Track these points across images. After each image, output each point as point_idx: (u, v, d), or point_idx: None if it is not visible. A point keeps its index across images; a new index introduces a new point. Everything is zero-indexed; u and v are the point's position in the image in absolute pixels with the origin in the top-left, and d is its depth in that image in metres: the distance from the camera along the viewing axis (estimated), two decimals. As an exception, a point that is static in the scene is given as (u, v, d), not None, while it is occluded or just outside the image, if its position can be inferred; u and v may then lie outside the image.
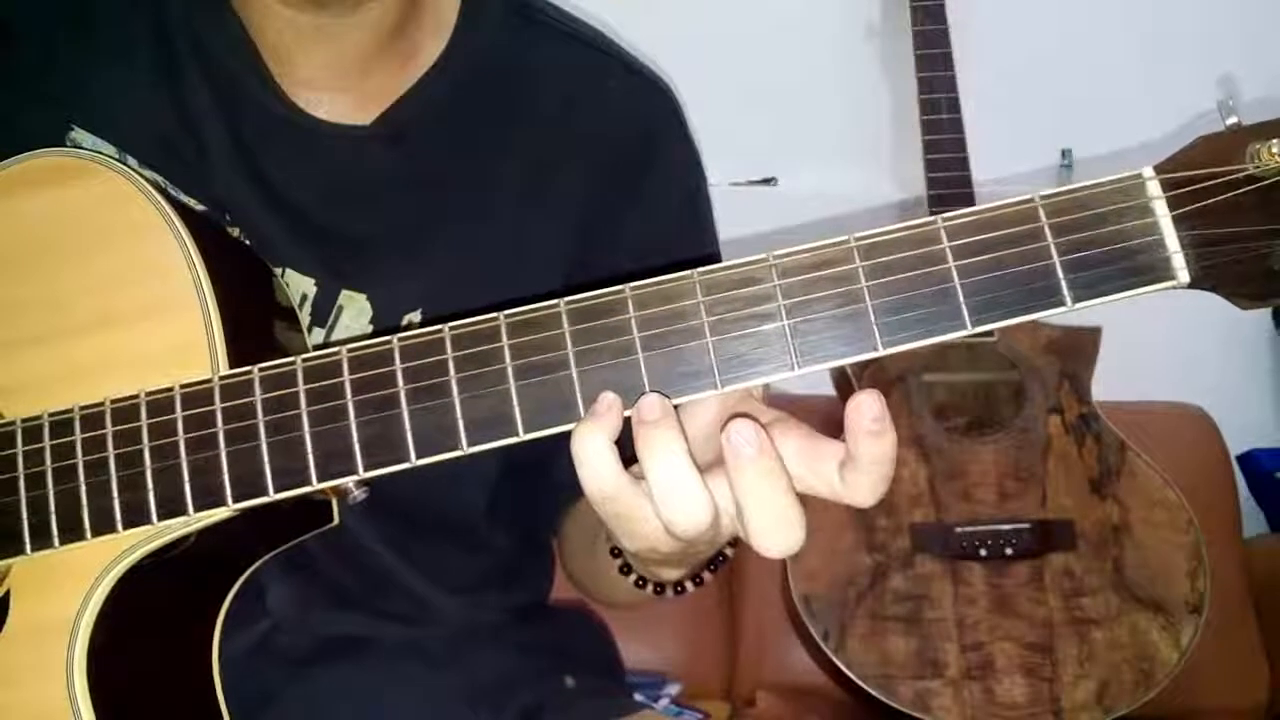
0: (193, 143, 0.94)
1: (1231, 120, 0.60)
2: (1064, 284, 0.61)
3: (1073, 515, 1.85)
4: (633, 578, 0.84)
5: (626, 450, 0.65)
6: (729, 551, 0.80)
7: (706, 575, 0.84)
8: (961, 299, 0.62)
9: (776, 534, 0.65)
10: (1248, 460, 2.19)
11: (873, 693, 1.73)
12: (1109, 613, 1.78)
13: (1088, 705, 1.73)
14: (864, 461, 0.63)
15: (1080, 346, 1.95)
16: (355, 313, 0.94)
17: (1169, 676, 1.74)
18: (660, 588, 0.85)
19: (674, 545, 0.68)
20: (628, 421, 0.65)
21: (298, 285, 0.93)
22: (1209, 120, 0.61)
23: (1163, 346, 1.98)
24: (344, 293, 0.94)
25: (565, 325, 0.65)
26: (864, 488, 0.64)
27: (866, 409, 0.62)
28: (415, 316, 0.94)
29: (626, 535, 0.69)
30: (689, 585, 0.84)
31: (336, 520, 0.83)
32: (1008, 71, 2.12)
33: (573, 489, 0.67)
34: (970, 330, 0.61)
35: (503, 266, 0.96)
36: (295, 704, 0.96)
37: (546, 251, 0.97)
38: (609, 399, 0.64)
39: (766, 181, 2.19)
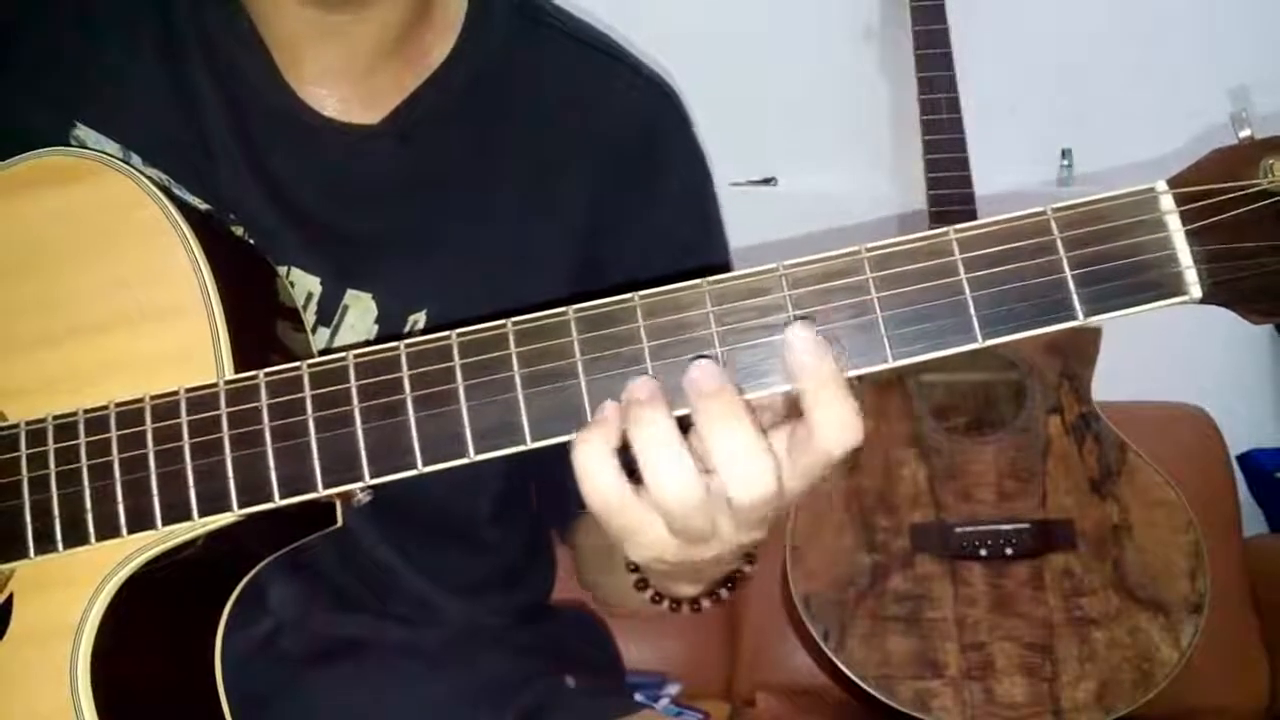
0: (198, 139, 0.93)
1: (1245, 133, 0.59)
2: (1075, 298, 0.61)
3: (1073, 515, 1.85)
4: (649, 593, 0.84)
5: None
6: (747, 569, 0.80)
7: (724, 593, 0.83)
8: (973, 311, 0.62)
9: (748, 479, 0.63)
10: (1248, 460, 2.19)
11: (873, 693, 1.73)
12: (1109, 613, 1.78)
13: (1088, 705, 1.72)
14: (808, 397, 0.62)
15: (1080, 346, 1.95)
16: (361, 312, 0.93)
17: (1169, 676, 1.74)
18: (676, 604, 0.84)
19: (680, 555, 0.67)
20: None
21: (303, 284, 0.93)
22: (1220, 130, 0.60)
23: (1163, 346, 1.97)
24: (349, 292, 0.93)
25: (574, 333, 0.65)
26: (825, 421, 0.62)
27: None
28: (421, 316, 0.94)
29: (632, 545, 0.68)
30: (705, 603, 0.84)
31: (340, 523, 0.83)
32: (1008, 71, 2.12)
33: (583, 501, 0.67)
34: (981, 344, 0.61)
35: (509, 267, 0.96)
36: (296, 704, 0.96)
37: (552, 252, 0.97)
38: (610, 407, 0.64)
39: (766, 181, 2.18)
